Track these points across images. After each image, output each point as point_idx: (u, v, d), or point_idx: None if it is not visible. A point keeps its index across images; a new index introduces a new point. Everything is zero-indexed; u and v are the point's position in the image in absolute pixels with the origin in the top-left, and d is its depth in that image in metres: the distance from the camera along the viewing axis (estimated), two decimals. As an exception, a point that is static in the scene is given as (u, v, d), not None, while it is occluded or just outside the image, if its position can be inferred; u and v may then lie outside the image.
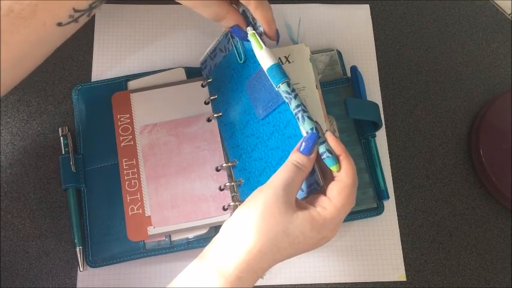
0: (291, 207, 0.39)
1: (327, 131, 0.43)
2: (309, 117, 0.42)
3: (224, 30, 0.51)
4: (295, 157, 0.41)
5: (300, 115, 0.42)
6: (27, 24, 0.39)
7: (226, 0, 0.45)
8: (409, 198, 0.59)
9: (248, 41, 0.46)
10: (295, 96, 0.43)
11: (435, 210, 0.59)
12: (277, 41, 0.47)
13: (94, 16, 0.61)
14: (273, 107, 0.46)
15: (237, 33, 0.47)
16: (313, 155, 0.41)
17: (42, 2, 0.39)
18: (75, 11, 0.41)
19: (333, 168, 0.42)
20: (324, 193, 0.42)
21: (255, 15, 0.45)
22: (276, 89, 0.44)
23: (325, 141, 0.42)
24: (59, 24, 0.41)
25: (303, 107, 0.42)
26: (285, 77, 0.43)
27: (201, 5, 0.44)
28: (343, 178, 0.41)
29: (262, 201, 0.39)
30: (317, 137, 0.42)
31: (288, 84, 0.43)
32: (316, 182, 0.43)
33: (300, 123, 0.42)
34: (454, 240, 0.58)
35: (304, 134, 0.42)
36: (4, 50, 0.39)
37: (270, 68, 0.44)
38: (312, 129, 0.42)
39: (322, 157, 0.42)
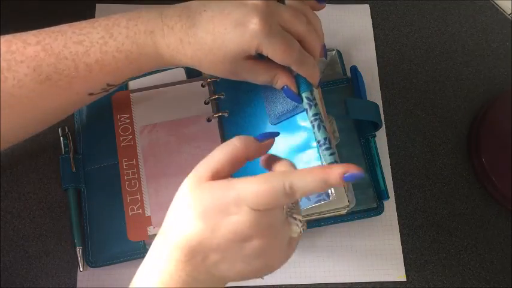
0: (201, 180, 0.36)
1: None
2: (325, 127, 0.44)
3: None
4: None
5: (316, 123, 0.44)
6: (61, 92, 0.41)
7: (272, 63, 0.43)
8: (409, 198, 0.59)
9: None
10: (316, 105, 0.44)
11: (435, 210, 0.59)
12: (318, 84, 0.46)
13: (95, 16, 0.61)
14: (288, 116, 0.47)
15: (288, 95, 0.45)
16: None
17: (80, 76, 0.41)
18: (108, 85, 0.43)
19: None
20: None
21: (299, 73, 0.44)
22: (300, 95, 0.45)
23: (334, 152, 0.43)
24: (91, 94, 0.44)
25: (321, 117, 0.44)
26: (311, 85, 0.45)
27: (250, 77, 0.44)
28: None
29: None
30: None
31: (312, 92, 0.44)
32: (325, 193, 0.44)
33: (315, 130, 0.43)
34: (454, 240, 0.58)
35: (317, 141, 0.44)
36: (35, 111, 0.42)
37: (298, 75, 0.44)
38: (325, 138, 0.43)
39: None
